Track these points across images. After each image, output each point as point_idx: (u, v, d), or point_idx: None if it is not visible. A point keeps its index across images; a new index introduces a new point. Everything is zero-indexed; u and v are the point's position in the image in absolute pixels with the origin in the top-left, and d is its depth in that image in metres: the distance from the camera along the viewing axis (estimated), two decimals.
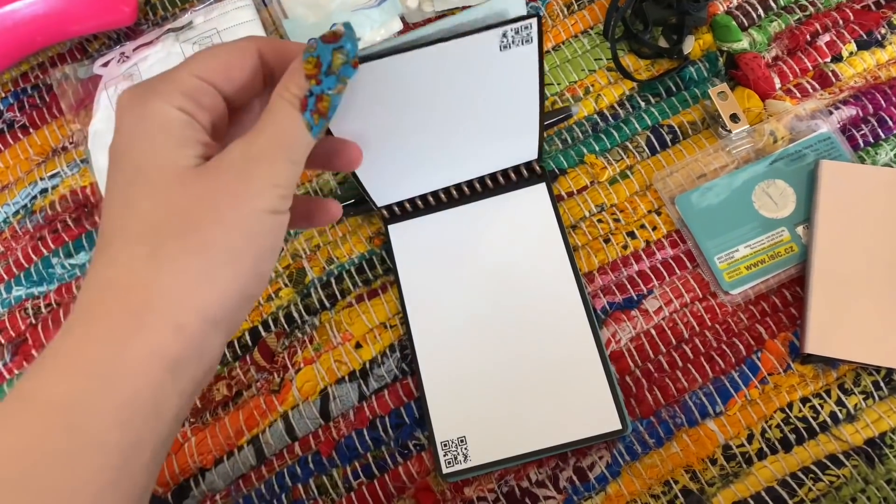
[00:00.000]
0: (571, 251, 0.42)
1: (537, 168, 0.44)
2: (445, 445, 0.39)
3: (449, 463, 0.39)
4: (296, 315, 0.45)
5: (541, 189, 0.44)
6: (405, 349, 0.43)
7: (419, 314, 0.43)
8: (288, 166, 0.27)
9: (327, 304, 0.45)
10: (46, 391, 0.24)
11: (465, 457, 0.39)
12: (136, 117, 0.27)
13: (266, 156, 0.27)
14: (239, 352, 0.45)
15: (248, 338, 0.45)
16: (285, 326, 0.45)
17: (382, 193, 0.43)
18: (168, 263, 0.25)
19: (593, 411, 0.39)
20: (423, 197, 0.44)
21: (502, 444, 0.39)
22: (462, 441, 0.39)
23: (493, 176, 0.44)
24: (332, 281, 0.45)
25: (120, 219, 0.26)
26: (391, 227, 0.45)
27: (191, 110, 0.27)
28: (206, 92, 0.28)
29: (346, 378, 0.43)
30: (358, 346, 0.44)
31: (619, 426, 0.39)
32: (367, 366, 0.43)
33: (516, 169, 0.44)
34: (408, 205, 0.44)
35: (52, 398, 0.24)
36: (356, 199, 0.45)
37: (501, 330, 0.42)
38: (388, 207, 0.45)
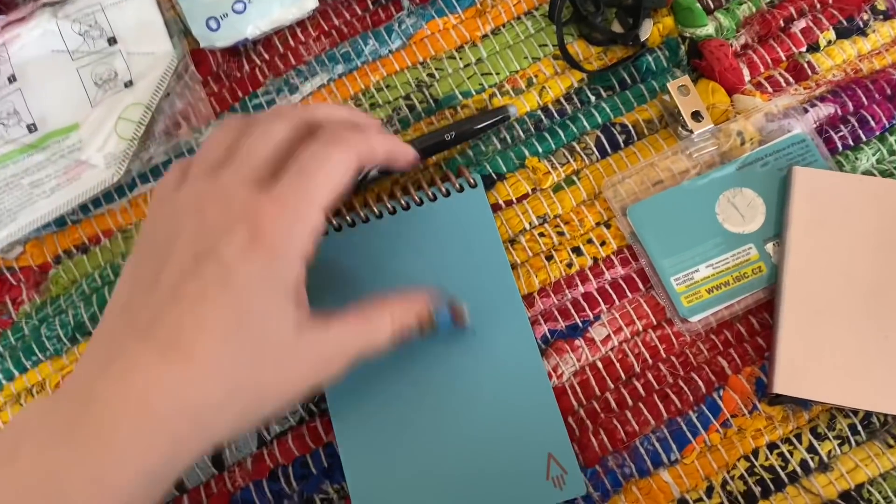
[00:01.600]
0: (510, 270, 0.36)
1: (470, 179, 0.38)
2: None
3: None
4: None
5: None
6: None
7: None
8: (347, 370, 0.30)
9: None
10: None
11: None
12: (269, 269, 0.27)
13: (348, 358, 0.30)
14: None
15: None
16: None
17: None
18: (233, 408, 0.28)
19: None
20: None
21: None
22: None
23: (419, 189, 0.38)
24: None
25: (215, 347, 0.26)
26: None
27: (309, 259, 0.29)
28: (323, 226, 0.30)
29: None
30: None
31: (583, 489, 0.33)
32: None
33: (444, 176, 0.38)
34: (333, 220, 0.38)
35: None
36: None
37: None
38: None
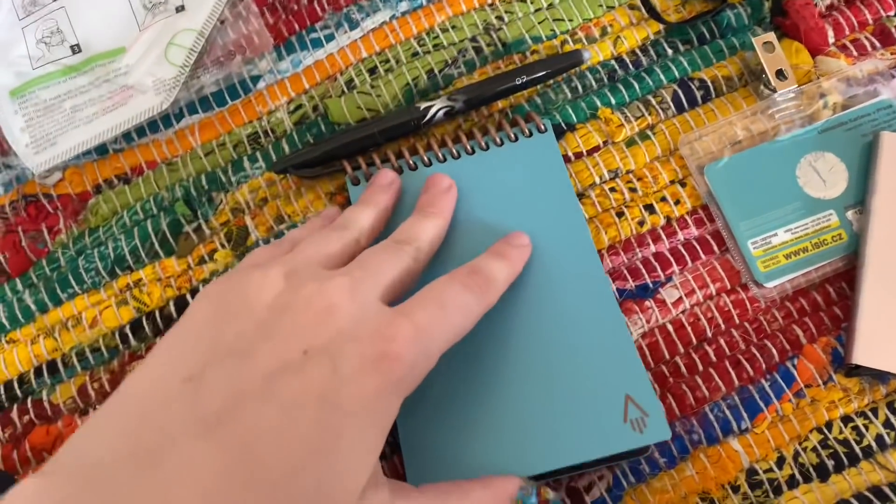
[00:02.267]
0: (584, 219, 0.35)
1: (541, 125, 0.36)
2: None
3: None
4: None
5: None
6: None
7: None
8: None
9: None
10: None
11: None
12: (374, 406, 0.23)
13: None
14: (161, 325, 0.36)
15: (172, 308, 0.36)
16: None
17: None
18: None
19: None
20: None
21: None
22: None
23: (486, 133, 0.36)
24: None
25: None
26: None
27: None
28: None
29: None
30: None
31: (667, 433, 0.31)
32: None
33: (512, 121, 0.36)
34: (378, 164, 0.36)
35: None
36: (314, 161, 0.36)
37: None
38: (356, 165, 0.36)
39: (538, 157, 0.36)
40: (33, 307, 0.37)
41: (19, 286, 0.37)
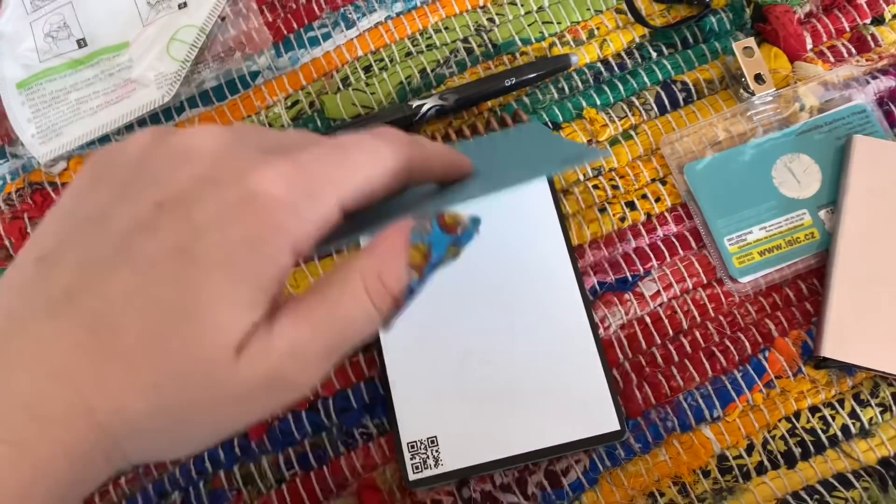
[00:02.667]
0: (563, 219, 0.36)
1: (525, 118, 0.38)
2: (413, 447, 0.33)
3: (416, 468, 0.33)
4: None
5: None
6: None
7: None
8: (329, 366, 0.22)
9: None
10: None
11: (437, 461, 0.33)
12: (243, 249, 0.19)
13: (316, 363, 0.21)
14: None
15: None
16: None
17: None
18: (145, 434, 0.20)
19: (587, 409, 0.33)
20: None
21: (479, 447, 0.33)
22: (433, 442, 0.33)
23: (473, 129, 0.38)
24: None
25: (144, 343, 0.19)
26: None
27: (306, 255, 0.21)
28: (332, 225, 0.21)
29: None
30: None
31: (616, 427, 0.33)
32: None
33: (501, 119, 0.38)
34: None
35: None
36: None
37: (481, 308, 0.35)
38: None
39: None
40: None
41: None
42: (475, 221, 0.23)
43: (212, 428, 0.21)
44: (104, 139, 0.40)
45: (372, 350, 0.36)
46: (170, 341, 0.19)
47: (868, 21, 0.40)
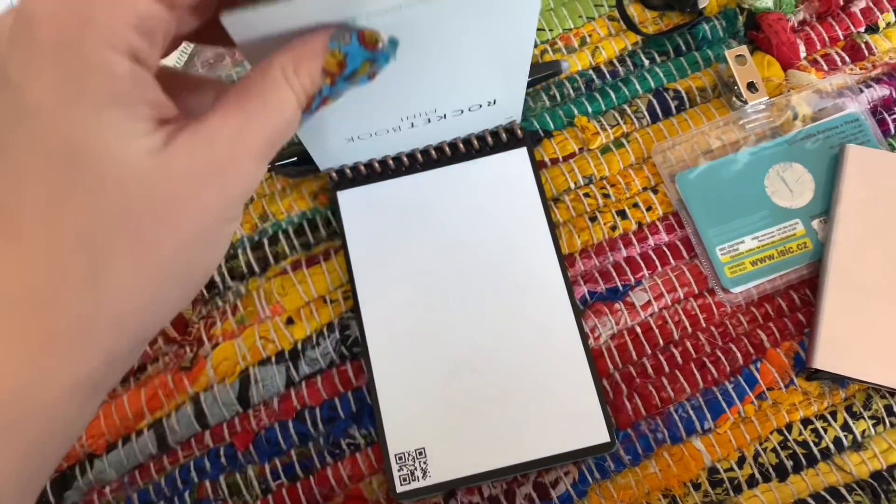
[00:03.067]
0: (554, 228, 0.36)
1: (518, 130, 0.37)
2: (400, 458, 0.33)
3: (404, 479, 0.32)
4: (217, 279, 0.38)
5: (521, 154, 0.37)
6: (346, 329, 0.36)
7: (371, 293, 0.35)
8: (266, 164, 0.22)
9: (256, 269, 0.38)
10: None
11: (424, 473, 0.33)
12: (65, 71, 0.18)
13: (253, 151, 0.21)
14: None
15: None
16: (204, 292, 0.37)
17: (329, 155, 0.35)
18: (114, 287, 0.20)
19: (576, 420, 0.33)
20: (381, 160, 0.37)
21: (467, 459, 0.33)
22: (420, 454, 0.33)
23: (465, 139, 0.37)
24: (265, 241, 0.38)
25: (41, 212, 0.19)
26: (340, 195, 0.37)
27: (144, 54, 0.19)
28: (161, 18, 0.20)
29: (273, 359, 0.36)
30: (290, 321, 0.37)
31: (606, 439, 0.32)
32: (300, 346, 0.36)
33: (493, 131, 0.37)
34: (362, 168, 0.37)
35: None
36: (298, 158, 0.37)
37: (470, 318, 0.35)
38: (339, 170, 0.37)
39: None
40: None
41: None
42: (393, 43, 0.23)
43: (177, 255, 0.21)
44: None
45: (359, 359, 0.36)
46: (68, 201, 0.19)
47: (862, 29, 0.40)
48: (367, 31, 0.23)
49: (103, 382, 0.22)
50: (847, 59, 0.39)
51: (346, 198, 0.37)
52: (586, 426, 0.33)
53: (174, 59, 0.39)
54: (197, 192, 0.20)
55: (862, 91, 0.38)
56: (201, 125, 0.20)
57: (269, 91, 0.21)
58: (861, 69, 0.39)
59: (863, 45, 0.39)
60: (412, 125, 0.34)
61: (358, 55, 0.22)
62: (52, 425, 0.21)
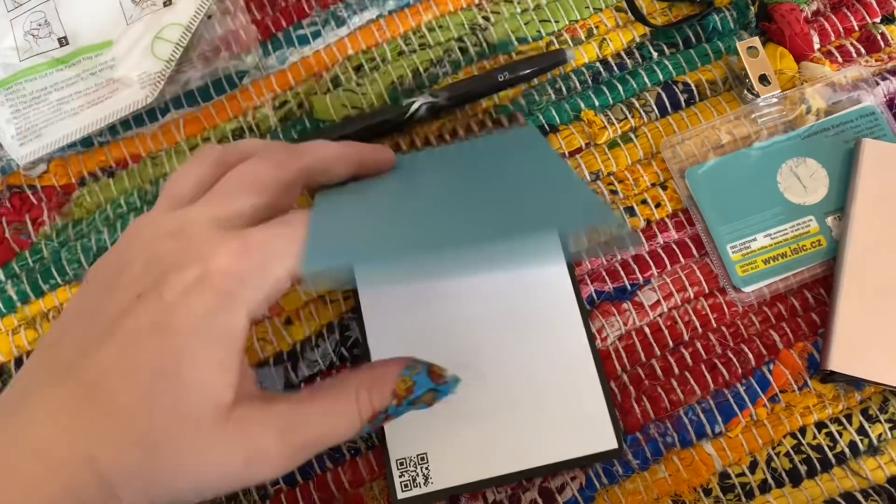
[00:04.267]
0: None
1: (521, 119, 0.36)
2: (402, 464, 0.32)
3: (405, 486, 0.32)
4: None
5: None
6: (347, 330, 0.35)
7: (372, 292, 0.34)
8: (299, 460, 0.25)
9: None
10: None
11: (426, 479, 0.32)
12: (205, 325, 0.23)
13: (294, 446, 0.25)
14: None
15: None
16: None
17: None
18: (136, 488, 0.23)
19: (583, 425, 0.32)
20: None
21: (470, 465, 0.32)
22: (422, 459, 0.32)
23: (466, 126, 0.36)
24: None
25: (136, 400, 0.23)
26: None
27: (260, 316, 0.25)
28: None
29: (271, 360, 0.35)
30: (288, 321, 0.36)
31: (614, 445, 0.31)
32: (298, 347, 0.35)
33: (496, 119, 0.36)
34: None
35: None
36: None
37: (473, 318, 0.34)
38: None
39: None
40: (15, 298, 0.37)
41: (2, 277, 0.38)
42: (456, 381, 0.28)
43: (195, 483, 0.23)
44: (86, 140, 0.39)
45: (360, 361, 0.35)
46: (159, 398, 0.22)
47: (878, 20, 0.38)
48: (436, 367, 0.27)
49: None
50: (862, 50, 0.38)
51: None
52: (593, 432, 0.32)
53: (169, 53, 0.38)
54: (228, 451, 0.23)
55: (878, 83, 0.37)
56: (272, 402, 0.25)
57: (339, 403, 0.25)
58: (877, 61, 0.38)
59: (878, 36, 0.38)
60: None
61: (424, 384, 0.26)
62: None
